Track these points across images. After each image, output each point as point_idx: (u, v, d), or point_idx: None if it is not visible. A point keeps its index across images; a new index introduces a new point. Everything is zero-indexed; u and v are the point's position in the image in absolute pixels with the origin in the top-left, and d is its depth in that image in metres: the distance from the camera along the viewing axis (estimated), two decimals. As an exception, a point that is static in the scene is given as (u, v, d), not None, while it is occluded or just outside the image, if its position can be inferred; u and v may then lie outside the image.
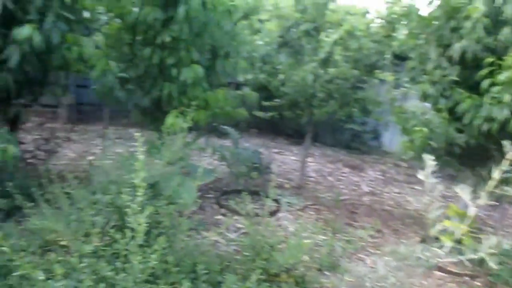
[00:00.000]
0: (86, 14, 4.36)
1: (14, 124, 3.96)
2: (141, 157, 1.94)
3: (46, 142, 4.40)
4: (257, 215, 2.82)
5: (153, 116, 4.36)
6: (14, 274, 1.86)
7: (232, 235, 3.71)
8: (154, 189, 2.55)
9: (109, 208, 2.43)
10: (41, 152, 4.43)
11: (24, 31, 3.22)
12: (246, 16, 4.43)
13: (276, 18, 4.95)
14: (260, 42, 5.11)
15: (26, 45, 3.26)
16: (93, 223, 2.15)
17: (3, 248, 1.79)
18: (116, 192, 2.42)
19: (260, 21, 4.95)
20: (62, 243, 2.15)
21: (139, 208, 1.86)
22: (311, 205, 4.85)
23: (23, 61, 3.42)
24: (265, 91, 5.76)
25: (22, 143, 4.31)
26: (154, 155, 3.30)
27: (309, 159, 6.68)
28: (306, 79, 4.48)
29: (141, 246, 1.93)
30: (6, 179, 3.52)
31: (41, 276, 1.73)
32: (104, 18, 4.91)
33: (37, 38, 3.25)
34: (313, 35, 4.51)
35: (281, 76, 5.00)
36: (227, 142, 6.02)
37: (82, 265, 1.91)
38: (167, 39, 3.71)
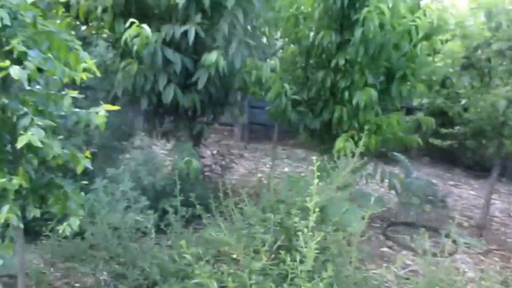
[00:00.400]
0: (263, 40, 4.64)
1: (197, 139, 4.37)
2: (316, 181, 1.90)
3: (223, 157, 4.75)
4: (432, 254, 2.53)
5: (321, 139, 4.37)
6: (192, 281, 1.98)
7: (400, 272, 3.41)
8: (321, 213, 2.48)
9: (278, 228, 2.45)
10: (217, 167, 4.80)
11: (211, 57, 3.54)
12: (427, 36, 4.13)
13: (461, 38, 4.52)
14: (440, 64, 4.72)
15: (212, 69, 3.58)
16: (263, 241, 2.18)
17: (185, 255, 1.93)
18: (285, 212, 2.43)
19: (442, 41, 4.58)
20: (234, 256, 2.23)
21: (310, 233, 1.82)
22: (496, 249, 4.21)
23: (208, 83, 3.77)
24: (442, 117, 5.29)
25: (202, 157, 4.72)
26: (323, 178, 3.26)
27: (494, 196, 5.87)
28: (496, 105, 3.96)
29: (308, 271, 1.87)
30: (188, 189, 3.88)
31: (215, 286, 1.81)
32: (279, 43, 5.16)
33: (222, 63, 3.55)
34: (508, 55, 3.97)
35: (463, 101, 4.53)
36: (396, 170, 5.69)
37: (251, 282, 1.94)
38: (342, 62, 3.68)
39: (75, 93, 2.01)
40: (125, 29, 3.50)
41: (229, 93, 4.22)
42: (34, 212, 2.06)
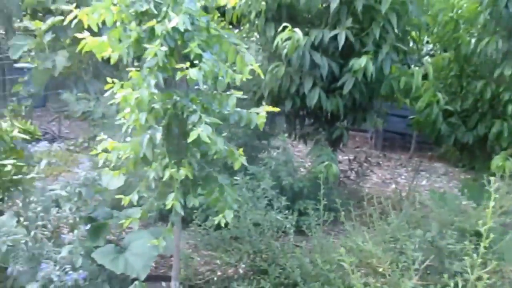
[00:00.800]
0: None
1: (334, 144, 4.33)
2: (491, 203, 1.74)
3: (359, 164, 4.63)
4: None
5: (472, 154, 4.00)
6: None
7: None
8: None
9: (427, 246, 2.30)
10: (352, 173, 4.70)
11: (360, 62, 3.47)
12: None
13: None
14: None
15: (360, 74, 3.51)
16: (413, 258, 2.07)
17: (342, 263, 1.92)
18: (437, 231, 2.28)
19: None
20: (379, 269, 2.16)
21: (480, 260, 1.66)
22: None
23: (354, 88, 3.70)
24: None
25: (339, 162, 4.65)
26: (474, 199, 2.99)
27: None
28: None
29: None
30: (324, 194, 3.87)
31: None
32: (425, 48, 4.86)
33: (371, 68, 3.46)
34: None
35: None
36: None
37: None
38: (508, 72, 3.32)
39: (239, 94, 2.12)
40: (276, 33, 3.62)
41: (373, 100, 4.10)
42: (194, 202, 2.23)
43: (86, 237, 2.55)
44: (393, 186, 5.63)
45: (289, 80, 3.78)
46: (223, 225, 2.20)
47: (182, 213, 2.23)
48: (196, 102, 2.22)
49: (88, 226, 2.46)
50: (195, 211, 2.94)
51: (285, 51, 3.49)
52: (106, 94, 2.27)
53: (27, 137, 3.08)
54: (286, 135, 3.88)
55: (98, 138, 2.23)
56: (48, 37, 4.17)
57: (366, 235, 2.43)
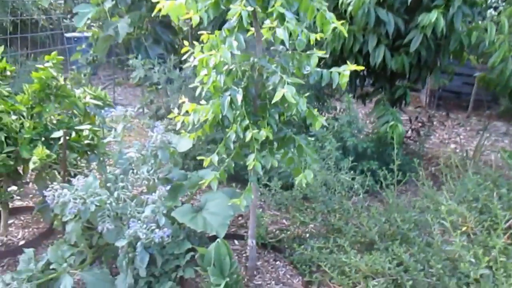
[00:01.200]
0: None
1: (396, 104, 4.23)
2: None
3: (422, 124, 4.52)
4: None
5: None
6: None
7: None
8: None
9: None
10: (413, 133, 4.60)
11: (430, 16, 3.32)
12: None
13: None
14: None
15: (429, 30, 3.36)
16: (499, 217, 2.02)
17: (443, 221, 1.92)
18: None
19: None
20: (463, 228, 2.13)
21: None
22: None
23: (421, 45, 3.56)
24: None
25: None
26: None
27: None
28: None
29: None
30: (388, 154, 3.82)
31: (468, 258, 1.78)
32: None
33: (442, 23, 3.30)
34: None
35: None
36: None
37: (487, 258, 1.84)
38: None
39: (322, 53, 2.09)
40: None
41: (438, 57, 3.94)
42: (272, 162, 2.26)
43: (165, 198, 2.65)
44: (452, 146, 5.49)
45: (352, 38, 3.68)
46: (304, 185, 2.23)
47: (261, 173, 2.27)
48: (272, 62, 2.21)
49: (169, 187, 2.55)
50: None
51: (350, 8, 3.39)
52: (184, 57, 2.30)
53: (99, 103, 3.18)
54: (351, 95, 3.81)
55: (179, 101, 2.27)
56: (108, 4, 4.22)
57: (446, 194, 2.39)
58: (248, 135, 2.11)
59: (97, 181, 2.69)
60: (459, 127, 6.39)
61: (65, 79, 4.75)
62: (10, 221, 3.29)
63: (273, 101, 1.98)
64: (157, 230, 2.40)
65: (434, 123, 6.41)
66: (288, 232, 2.98)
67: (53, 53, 2.87)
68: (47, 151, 2.63)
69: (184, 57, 2.29)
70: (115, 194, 2.59)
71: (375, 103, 4.22)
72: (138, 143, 2.90)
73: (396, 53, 3.69)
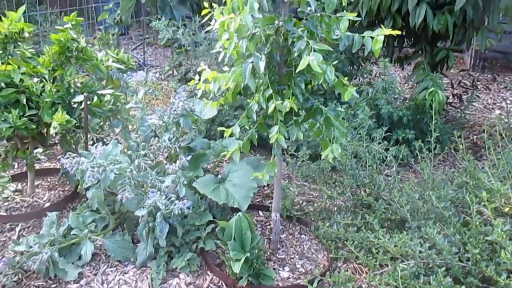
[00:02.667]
0: None
1: (437, 68, 3.93)
2: None
3: (465, 89, 4.21)
4: None
5: None
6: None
7: None
8: None
9: None
10: (454, 99, 4.30)
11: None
12: None
13: None
14: None
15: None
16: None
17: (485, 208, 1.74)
18: None
19: None
20: (505, 209, 1.95)
21: None
22: None
23: (467, 2, 3.23)
24: None
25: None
26: None
27: None
28: None
29: None
30: (427, 122, 3.58)
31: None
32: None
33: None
34: None
35: None
36: None
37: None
38: None
39: (353, 15, 1.87)
40: None
41: (486, 15, 3.58)
42: (298, 135, 2.11)
43: (186, 167, 2.56)
44: (497, 112, 5.13)
45: (390, -4, 3.38)
46: (330, 160, 2.07)
47: (285, 146, 2.13)
48: (299, 26, 2.01)
49: (189, 157, 2.46)
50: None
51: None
52: (204, 20, 2.14)
53: (122, 66, 3.08)
54: (387, 59, 3.54)
55: (199, 69, 2.13)
56: (133, -39, 4.05)
57: (488, 170, 2.19)
58: (271, 106, 1.95)
59: (118, 148, 2.63)
60: (506, 91, 5.96)
61: (93, 39, 4.66)
62: (37, 183, 3.31)
63: (297, 70, 1.80)
64: (177, 201, 2.34)
65: (479, 87, 6.02)
66: (315, 205, 2.86)
67: (72, 14, 2.76)
68: (67, 116, 2.57)
69: (205, 19, 2.13)
70: (136, 162, 2.52)
71: (414, 66, 3.94)
72: (160, 109, 2.80)
73: (438, 12, 3.37)
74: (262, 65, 1.94)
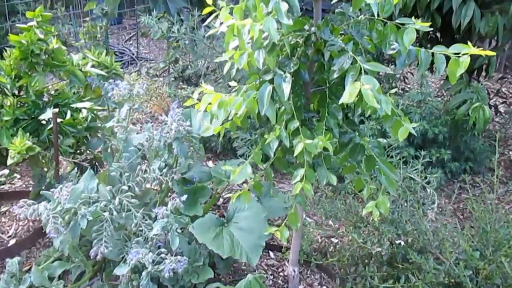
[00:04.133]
0: None
1: (473, 74, 3.38)
2: None
3: (504, 99, 3.67)
4: None
5: None
6: None
7: None
8: None
9: None
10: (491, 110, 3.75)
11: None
12: None
13: None
14: None
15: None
16: None
17: None
18: None
19: None
20: None
21: None
22: None
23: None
24: None
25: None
26: None
27: None
28: None
29: None
30: (464, 140, 3.06)
31: None
32: None
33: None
34: None
35: None
36: None
37: None
38: None
39: (425, 25, 1.31)
40: None
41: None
42: (330, 179, 1.56)
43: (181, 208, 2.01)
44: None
45: (430, -9, 2.81)
46: (375, 219, 1.53)
47: (312, 194, 1.58)
48: (337, 33, 1.46)
49: (185, 197, 1.91)
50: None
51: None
52: (208, 21, 1.59)
53: (103, 72, 2.51)
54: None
55: (198, 90, 1.57)
56: None
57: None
58: (298, 146, 1.40)
59: (95, 181, 2.08)
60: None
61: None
62: (4, 209, 2.78)
63: (342, 101, 1.24)
64: (167, 258, 1.80)
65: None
66: (341, 249, 2.32)
67: (38, 8, 2.18)
68: (29, 143, 2.01)
69: (209, 20, 1.57)
70: (117, 200, 1.97)
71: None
72: (149, 127, 2.24)
73: (487, 12, 2.81)
74: (286, 88, 1.39)
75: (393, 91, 1.41)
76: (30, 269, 2.30)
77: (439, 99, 3.34)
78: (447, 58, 1.29)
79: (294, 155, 1.41)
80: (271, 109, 1.42)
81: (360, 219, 2.16)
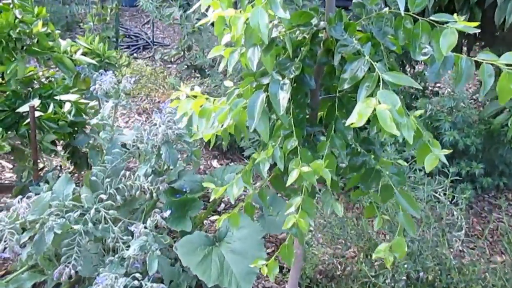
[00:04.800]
0: None
1: None
2: None
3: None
4: None
5: None
6: None
7: None
8: None
9: None
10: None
11: None
12: None
13: None
14: None
15: None
16: None
17: None
18: None
19: None
20: None
21: None
22: None
23: None
24: None
25: None
26: None
27: None
28: None
29: None
30: (497, 153, 2.70)
31: None
32: None
33: None
34: None
35: None
36: None
37: None
38: None
39: (471, 25, 0.99)
40: None
41: None
42: (336, 209, 1.27)
43: (167, 219, 1.75)
44: None
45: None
46: (388, 266, 1.23)
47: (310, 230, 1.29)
48: (353, 30, 1.14)
49: (168, 213, 1.64)
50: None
51: None
52: (193, 8, 1.29)
53: (93, 61, 2.25)
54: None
55: (173, 95, 1.28)
56: None
57: None
58: (294, 173, 1.10)
59: (71, 186, 1.84)
60: None
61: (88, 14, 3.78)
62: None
63: (348, 123, 0.93)
64: (144, 285, 1.54)
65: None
66: (349, 275, 2.02)
67: (16, -14, 1.92)
68: (-4, 141, 1.77)
69: (194, 7, 1.28)
70: (92, 212, 1.73)
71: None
72: (139, 126, 1.98)
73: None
74: (284, 99, 1.09)
75: (418, 113, 1.09)
76: (5, 274, 2.10)
77: (473, 104, 2.96)
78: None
79: (288, 183, 1.12)
80: (263, 123, 1.13)
81: (374, 246, 1.85)
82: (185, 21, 2.83)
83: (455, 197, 2.05)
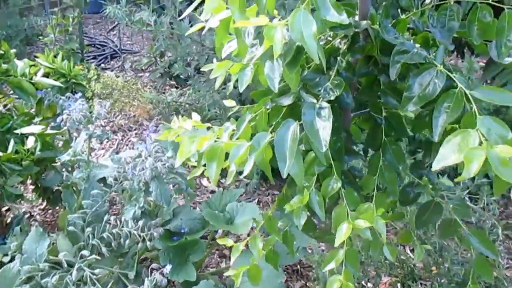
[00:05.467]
0: None
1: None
2: None
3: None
4: None
5: None
6: None
7: None
8: None
9: None
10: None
11: None
12: None
13: None
14: None
15: None
16: None
17: None
18: None
19: None
20: None
21: None
22: None
23: None
24: None
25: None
26: None
27: None
28: None
29: None
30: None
31: None
32: None
33: None
34: None
35: None
36: None
37: None
38: None
39: None
40: None
41: None
42: (389, 255, 0.99)
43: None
44: None
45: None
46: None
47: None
48: (403, 28, 0.86)
49: (169, 268, 1.33)
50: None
51: None
52: (186, 12, 1.00)
53: (58, 83, 1.91)
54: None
55: (172, 123, 0.97)
56: None
57: None
58: (343, 228, 0.82)
59: (45, 242, 1.51)
60: None
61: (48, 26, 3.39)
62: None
63: (435, 168, 0.65)
64: None
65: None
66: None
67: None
68: None
69: (188, 11, 0.98)
70: (74, 273, 1.40)
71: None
72: (118, 159, 1.65)
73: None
74: (324, 128, 0.80)
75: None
76: None
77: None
78: None
79: (336, 243, 0.83)
80: (297, 164, 0.83)
81: (410, 273, 1.59)
82: (160, 26, 2.51)
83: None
